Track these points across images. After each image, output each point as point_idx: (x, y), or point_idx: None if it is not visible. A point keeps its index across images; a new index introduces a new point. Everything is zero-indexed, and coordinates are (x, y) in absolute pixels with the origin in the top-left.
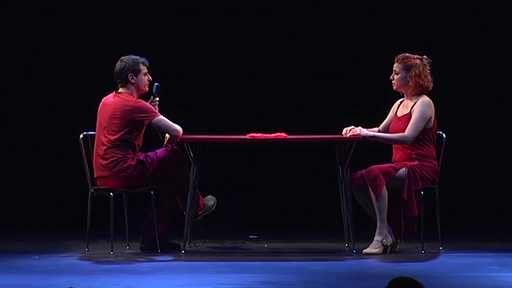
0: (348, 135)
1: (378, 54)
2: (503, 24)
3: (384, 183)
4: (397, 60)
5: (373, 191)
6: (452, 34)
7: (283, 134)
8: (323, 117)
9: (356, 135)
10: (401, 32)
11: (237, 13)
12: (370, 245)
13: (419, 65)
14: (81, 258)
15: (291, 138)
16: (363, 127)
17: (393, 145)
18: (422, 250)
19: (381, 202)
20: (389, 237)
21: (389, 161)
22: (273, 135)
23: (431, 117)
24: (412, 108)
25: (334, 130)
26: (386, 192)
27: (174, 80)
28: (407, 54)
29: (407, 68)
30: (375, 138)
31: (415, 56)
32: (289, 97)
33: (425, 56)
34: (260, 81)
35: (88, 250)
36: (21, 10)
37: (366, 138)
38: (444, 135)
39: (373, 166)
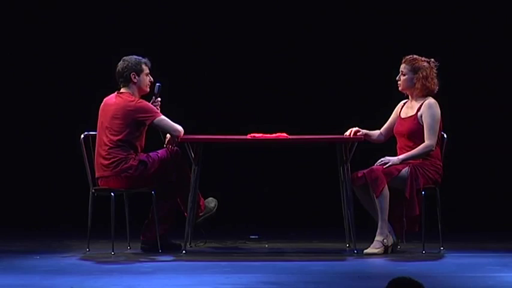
0: (384, 167)
1: (380, 55)
2: (503, 24)
3: (385, 183)
4: (404, 61)
5: (374, 190)
6: (452, 34)
7: (284, 134)
8: (324, 117)
9: (386, 164)
10: (403, 33)
11: (238, 13)
12: (371, 245)
13: (426, 68)
14: (82, 258)
15: (291, 139)
16: (365, 128)
17: (397, 145)
18: (423, 250)
19: (382, 202)
20: (390, 237)
21: None
22: (273, 135)
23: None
24: (418, 110)
25: (335, 130)
26: (387, 192)
27: (175, 80)
28: (415, 56)
29: (414, 70)
30: (405, 161)
31: (423, 59)
32: (290, 97)
33: (432, 59)
34: (261, 82)
35: (89, 250)
36: (23, 9)
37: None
38: (445, 136)
39: (376, 166)
